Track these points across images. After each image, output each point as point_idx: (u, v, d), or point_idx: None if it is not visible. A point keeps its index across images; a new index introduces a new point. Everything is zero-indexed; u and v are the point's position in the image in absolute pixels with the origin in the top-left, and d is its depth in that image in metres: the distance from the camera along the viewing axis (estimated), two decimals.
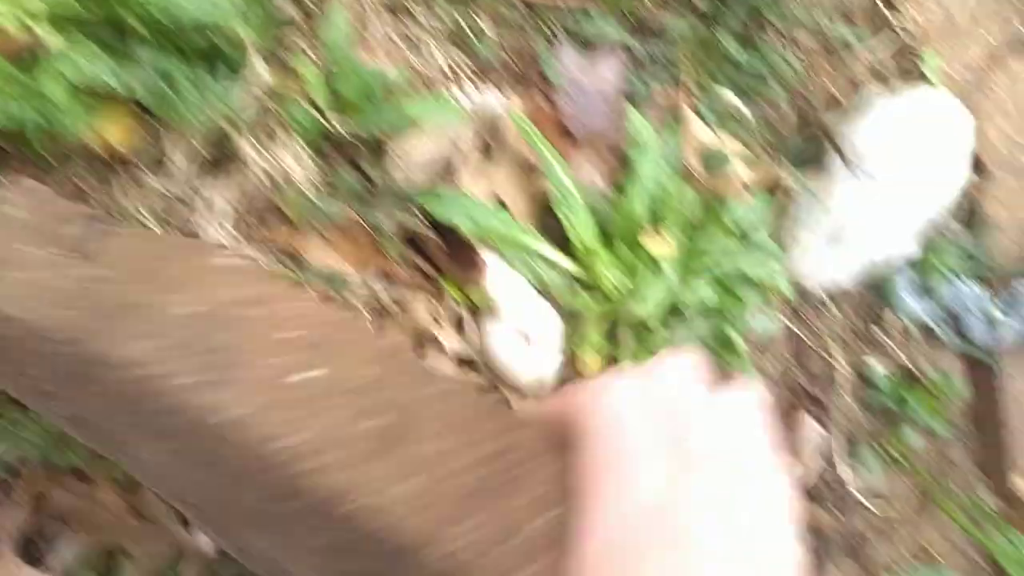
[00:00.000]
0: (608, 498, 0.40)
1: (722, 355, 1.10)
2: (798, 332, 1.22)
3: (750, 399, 0.47)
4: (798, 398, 1.24)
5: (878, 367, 1.26)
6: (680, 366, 0.47)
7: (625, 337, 1.09)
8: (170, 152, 0.85)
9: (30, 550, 0.97)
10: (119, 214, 0.86)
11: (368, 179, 0.93)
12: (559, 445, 0.48)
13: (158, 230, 0.89)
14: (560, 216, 1.00)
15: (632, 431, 0.42)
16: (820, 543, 1.26)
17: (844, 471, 1.27)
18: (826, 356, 1.23)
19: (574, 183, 0.99)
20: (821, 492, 1.25)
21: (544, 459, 0.48)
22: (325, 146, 0.92)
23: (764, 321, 1.14)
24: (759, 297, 1.07)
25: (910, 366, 1.27)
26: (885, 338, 1.25)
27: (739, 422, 0.46)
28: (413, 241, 0.99)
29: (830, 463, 1.27)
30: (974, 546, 1.36)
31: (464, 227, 0.95)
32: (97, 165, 0.86)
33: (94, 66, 0.74)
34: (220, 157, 0.89)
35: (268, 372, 0.52)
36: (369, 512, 0.47)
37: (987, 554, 1.38)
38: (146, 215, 0.88)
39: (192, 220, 0.89)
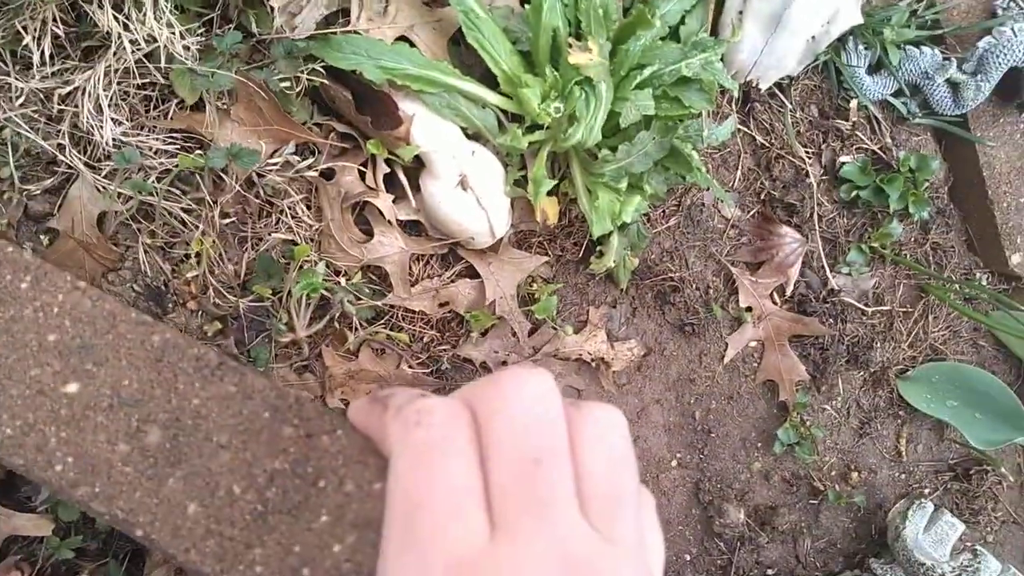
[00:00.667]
0: (413, 547, 0.32)
1: (677, 171, 1.03)
2: (756, 136, 1.15)
3: (613, 426, 0.37)
4: (771, 208, 1.18)
5: (847, 159, 1.19)
6: (535, 386, 0.36)
7: (572, 170, 1.02)
8: (30, 42, 0.77)
9: None
10: None
11: (252, 37, 0.86)
12: (376, 452, 0.40)
13: (41, 140, 0.82)
14: (475, 45, 0.92)
15: (457, 465, 0.33)
16: (821, 357, 1.22)
17: (832, 278, 1.22)
18: (791, 158, 1.17)
19: (481, 6, 0.91)
20: (811, 304, 1.20)
21: (356, 469, 0.40)
22: (195, 5, 0.83)
23: (717, 128, 1.07)
24: (705, 100, 1.00)
25: (880, 152, 1.20)
26: (848, 128, 1.18)
27: (606, 457, 0.36)
28: (323, 105, 0.92)
29: (816, 272, 1.22)
30: (978, 331, 1.32)
31: (371, 75, 0.87)
32: None
33: None
34: (85, 39, 0.81)
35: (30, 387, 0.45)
36: (155, 544, 0.41)
37: (991, 337, 1.34)
38: (20, 122, 0.81)
39: (79, 119, 0.82)
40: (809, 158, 1.18)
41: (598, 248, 1.07)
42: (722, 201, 1.15)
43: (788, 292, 1.20)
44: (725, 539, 1.19)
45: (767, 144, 1.16)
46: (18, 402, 0.44)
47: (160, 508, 0.41)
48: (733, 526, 1.18)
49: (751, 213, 1.18)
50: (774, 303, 1.20)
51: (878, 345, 1.25)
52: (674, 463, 1.17)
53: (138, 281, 0.88)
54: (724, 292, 1.18)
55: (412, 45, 0.93)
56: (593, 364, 1.10)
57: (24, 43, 0.77)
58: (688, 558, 1.18)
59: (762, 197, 1.18)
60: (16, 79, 0.79)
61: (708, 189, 1.11)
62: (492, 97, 0.96)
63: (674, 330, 1.16)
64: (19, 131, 0.79)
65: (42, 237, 0.86)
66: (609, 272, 1.09)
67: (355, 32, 0.88)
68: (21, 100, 0.79)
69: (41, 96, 0.80)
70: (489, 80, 0.96)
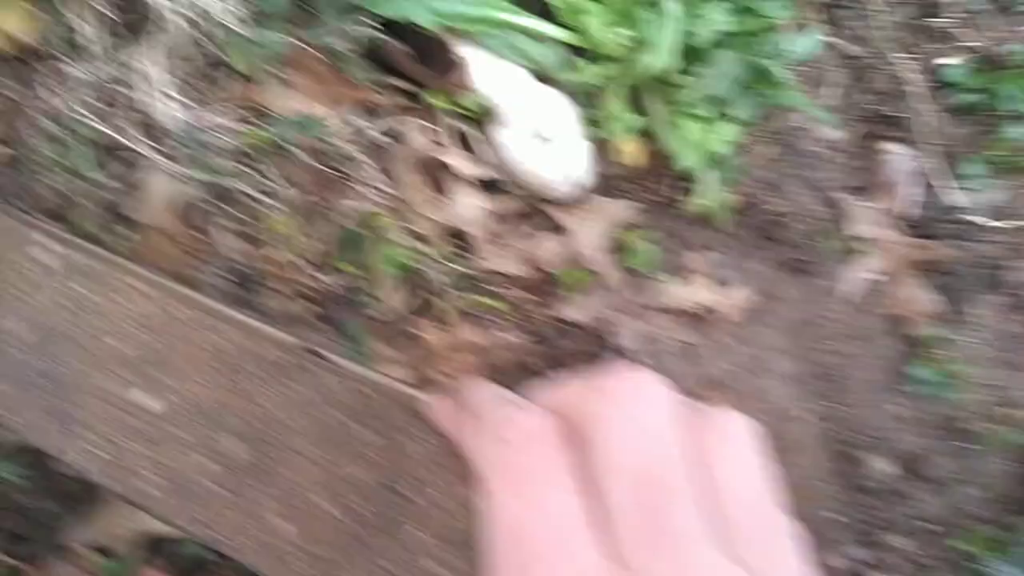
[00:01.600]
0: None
1: (764, 92, 0.95)
2: (847, 46, 1.05)
3: (749, 440, 0.31)
4: (873, 125, 1.08)
5: (950, 61, 1.08)
6: (648, 391, 0.30)
7: (651, 102, 0.95)
8: (80, 28, 0.76)
9: None
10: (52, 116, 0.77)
11: None
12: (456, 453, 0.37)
13: (112, 131, 0.80)
14: None
15: (561, 497, 0.28)
16: (952, 283, 1.10)
17: (952, 195, 1.10)
18: (888, 67, 1.06)
19: None
20: (932, 226, 1.09)
21: (439, 473, 0.38)
22: None
23: (803, 41, 0.98)
24: (784, 8, 0.91)
25: (987, 50, 1.09)
26: (948, 26, 1.07)
27: (743, 478, 0.30)
28: (379, 59, 0.88)
29: (934, 190, 1.10)
30: None
31: (423, 21, 0.82)
32: (11, 65, 0.77)
33: None
34: (135, 19, 0.79)
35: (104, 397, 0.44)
36: (253, 567, 0.40)
37: None
38: (88, 115, 0.79)
39: (136, 100, 0.80)
40: (908, 64, 1.07)
41: (691, 187, 0.99)
42: (819, 122, 1.05)
43: (906, 215, 1.09)
44: (870, 493, 1.07)
45: (860, 55, 1.06)
46: (107, 423, 0.43)
47: (252, 528, 0.40)
48: (878, 478, 1.07)
49: (852, 133, 1.08)
50: (891, 229, 1.09)
51: (1012, 264, 1.12)
52: (802, 415, 1.07)
53: (224, 268, 0.85)
54: (835, 223, 1.08)
55: None
56: (702, 315, 1.02)
57: (76, 31, 0.75)
58: (831, 516, 1.07)
59: (862, 113, 1.08)
60: (77, 69, 0.77)
61: (802, 110, 1.02)
62: (553, 31, 0.90)
63: (785, 270, 1.06)
64: (85, 121, 0.78)
65: (122, 237, 0.84)
66: (706, 212, 1.00)
67: None
68: (84, 90, 0.78)
69: (106, 84, 0.79)
70: (547, 13, 0.90)
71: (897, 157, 1.08)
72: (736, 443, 0.30)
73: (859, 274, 1.08)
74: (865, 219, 1.08)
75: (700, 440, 0.29)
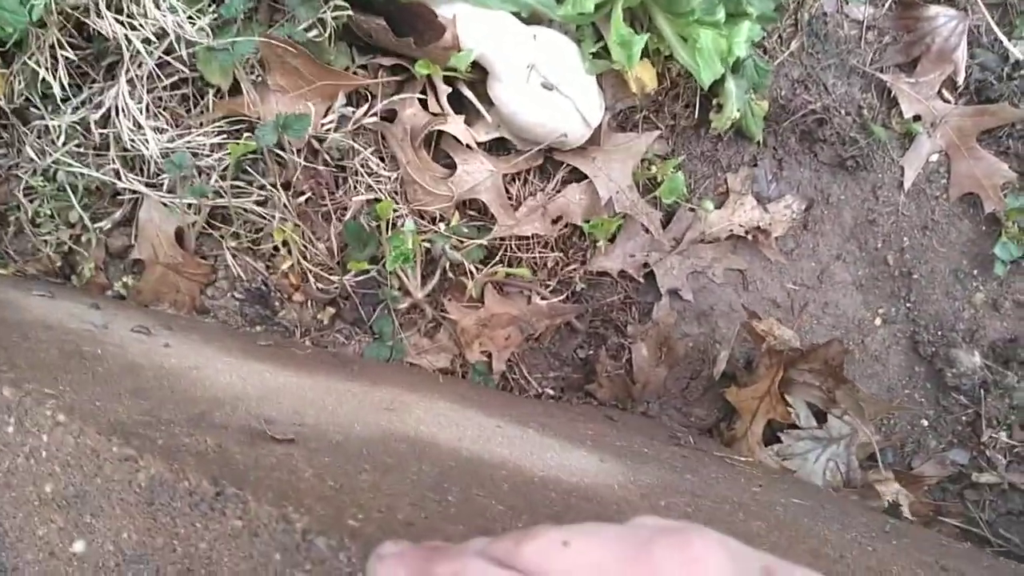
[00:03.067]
0: None
1: None
2: None
3: None
4: None
5: None
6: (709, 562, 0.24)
7: (656, 20, 0.86)
8: (47, 76, 0.73)
9: None
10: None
11: None
12: None
13: (95, 172, 0.78)
14: None
15: None
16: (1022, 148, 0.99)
17: (1012, 47, 0.98)
18: None
19: None
20: (993, 87, 0.97)
21: None
22: None
23: None
24: None
25: None
26: None
27: None
28: (361, 44, 0.82)
29: (989, 48, 0.98)
30: None
31: None
32: None
33: None
34: (99, 53, 0.75)
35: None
36: None
37: None
38: (70, 160, 0.77)
39: (116, 136, 0.77)
40: None
41: (714, 101, 0.91)
42: (846, 1, 0.94)
43: (960, 82, 0.98)
44: (964, 390, 0.99)
45: None
46: (35, 568, 0.41)
47: None
48: (970, 373, 0.99)
49: (886, 5, 0.97)
50: (946, 101, 0.98)
51: None
52: (878, 321, 0.99)
53: (237, 288, 0.83)
54: (882, 107, 0.97)
55: None
56: (749, 237, 0.95)
57: (41, 78, 0.72)
58: (926, 423, 1.00)
59: None
60: (50, 119, 0.75)
61: None
62: None
63: (834, 170, 0.97)
64: (71, 170, 0.76)
65: (127, 277, 0.82)
66: (736, 126, 0.92)
67: None
68: (62, 138, 0.75)
69: (80, 129, 0.76)
70: None
71: (942, 19, 0.97)
72: None
73: (919, 158, 0.98)
74: (915, 95, 0.97)
75: None
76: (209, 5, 0.77)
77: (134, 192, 0.78)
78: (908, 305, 0.99)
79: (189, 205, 0.78)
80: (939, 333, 0.99)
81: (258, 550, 0.36)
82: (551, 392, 0.92)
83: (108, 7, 0.72)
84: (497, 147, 0.88)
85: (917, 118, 0.97)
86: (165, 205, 0.78)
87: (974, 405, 0.99)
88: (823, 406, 0.92)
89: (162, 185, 0.78)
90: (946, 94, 0.98)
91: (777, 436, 0.92)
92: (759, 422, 0.90)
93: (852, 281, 0.99)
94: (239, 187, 0.79)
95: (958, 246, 1.00)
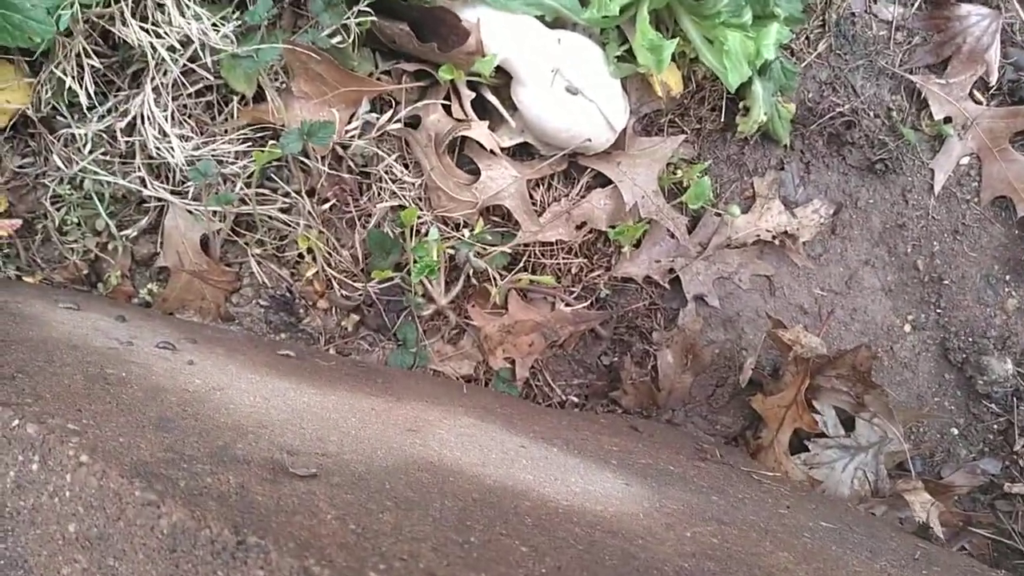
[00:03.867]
0: None
1: None
2: None
3: None
4: None
5: None
6: None
7: (682, 23, 0.85)
8: (74, 85, 0.73)
9: None
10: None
11: (282, 2, 0.77)
12: None
13: (122, 179, 0.78)
14: None
15: None
16: None
17: None
18: None
19: None
20: (1022, 85, 0.95)
21: None
22: None
23: None
24: None
25: None
26: None
27: None
28: (385, 50, 0.82)
29: (1022, 47, 0.96)
30: None
31: None
32: (18, 138, 0.76)
33: None
34: (124, 62, 0.76)
35: None
36: None
37: None
38: (96, 169, 0.77)
39: (142, 145, 0.77)
40: None
41: (741, 105, 0.89)
42: (875, 1, 0.93)
43: (992, 82, 0.96)
44: (995, 398, 0.98)
45: None
46: None
47: None
48: (1002, 381, 0.97)
49: (915, 4, 0.95)
50: (977, 102, 0.96)
51: None
52: (907, 327, 0.98)
53: (262, 295, 0.83)
54: (912, 109, 0.96)
55: None
56: (777, 242, 0.93)
57: (68, 87, 0.73)
58: (956, 432, 0.98)
59: None
60: (77, 127, 0.75)
61: None
62: None
63: (862, 173, 0.96)
64: (97, 178, 0.76)
65: (153, 284, 0.82)
66: (763, 129, 0.91)
67: None
68: (89, 147, 0.76)
69: (106, 137, 0.76)
70: None
71: (974, 18, 0.95)
72: None
73: (949, 160, 0.96)
74: (946, 97, 0.95)
75: None
76: (233, 12, 0.77)
77: (160, 200, 0.78)
78: (938, 311, 0.98)
79: (214, 212, 0.78)
80: (970, 340, 0.98)
81: None
82: (575, 399, 0.91)
83: (133, 15, 0.72)
84: (521, 152, 0.88)
85: (948, 120, 0.96)
86: (190, 212, 0.78)
87: (1006, 413, 0.97)
88: (852, 411, 0.91)
89: (187, 193, 0.78)
90: (977, 95, 0.96)
91: (804, 445, 0.91)
92: (786, 431, 0.89)
93: (881, 287, 0.97)
94: (263, 194, 0.79)
95: (989, 251, 0.98)
